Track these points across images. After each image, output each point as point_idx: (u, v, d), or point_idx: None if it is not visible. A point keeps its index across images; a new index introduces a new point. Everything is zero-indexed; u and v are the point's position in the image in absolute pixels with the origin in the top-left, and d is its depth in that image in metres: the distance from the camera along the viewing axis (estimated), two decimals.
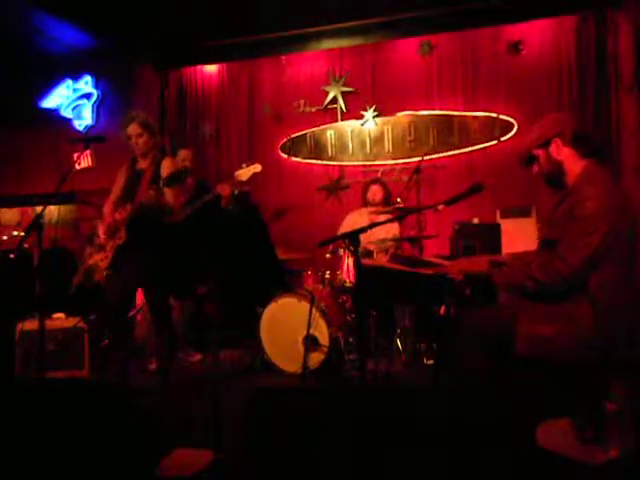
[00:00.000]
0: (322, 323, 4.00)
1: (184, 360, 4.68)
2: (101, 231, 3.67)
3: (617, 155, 5.32)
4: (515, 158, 2.43)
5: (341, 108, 6.24)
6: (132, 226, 3.55)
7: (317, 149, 6.34)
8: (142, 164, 3.76)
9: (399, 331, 4.23)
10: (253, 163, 3.92)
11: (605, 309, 2.09)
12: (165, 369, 3.82)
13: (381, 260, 4.27)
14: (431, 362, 4.11)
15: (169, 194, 3.58)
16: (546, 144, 2.29)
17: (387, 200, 4.96)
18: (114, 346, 3.80)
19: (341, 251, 4.45)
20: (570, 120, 2.32)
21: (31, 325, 4.26)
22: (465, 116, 5.87)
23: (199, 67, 6.71)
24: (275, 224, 5.54)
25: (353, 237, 2.52)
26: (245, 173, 3.96)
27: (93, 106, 6.86)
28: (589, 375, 2.05)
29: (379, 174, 6.01)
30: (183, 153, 4.70)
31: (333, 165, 6.31)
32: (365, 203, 5.04)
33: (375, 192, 4.96)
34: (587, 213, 2.11)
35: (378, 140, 6.15)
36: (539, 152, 2.31)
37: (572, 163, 2.27)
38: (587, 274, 2.11)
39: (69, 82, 6.90)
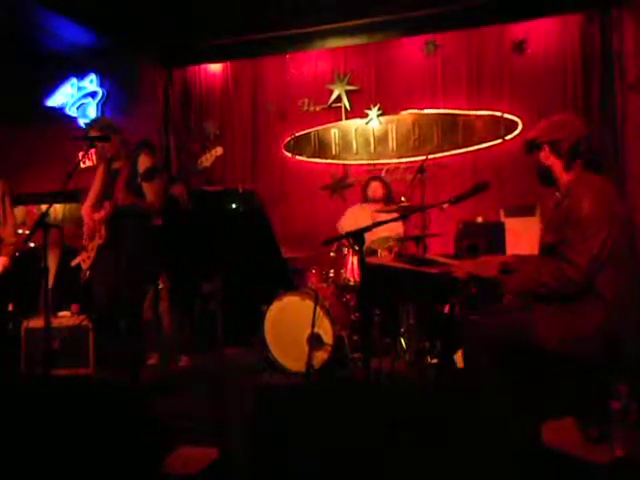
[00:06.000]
0: (326, 322, 4.00)
1: (173, 364, 4.62)
2: (85, 233, 3.66)
3: (622, 154, 5.31)
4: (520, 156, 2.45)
5: (345, 107, 6.24)
6: (112, 225, 3.54)
7: (321, 148, 6.33)
8: (117, 164, 3.74)
9: (403, 330, 4.22)
10: (214, 147, 4.01)
11: (613, 309, 2.10)
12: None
13: (385, 259, 4.27)
14: (435, 361, 4.10)
15: (149, 190, 3.57)
16: (538, 146, 2.31)
17: (388, 197, 4.95)
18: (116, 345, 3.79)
19: (345, 250, 4.44)
20: (571, 130, 2.28)
21: (36, 323, 4.28)
22: (469, 115, 5.86)
23: (203, 65, 6.71)
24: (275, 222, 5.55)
25: (358, 236, 2.52)
26: (208, 159, 4.05)
27: (98, 104, 6.87)
28: (595, 374, 2.06)
29: (383, 173, 6.01)
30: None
31: (337, 164, 6.31)
32: (365, 199, 5.04)
33: (375, 189, 4.96)
34: (583, 216, 2.13)
35: (382, 139, 6.15)
36: (534, 151, 2.36)
37: (560, 172, 2.30)
38: (595, 275, 2.12)
39: (74, 81, 6.92)
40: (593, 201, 2.13)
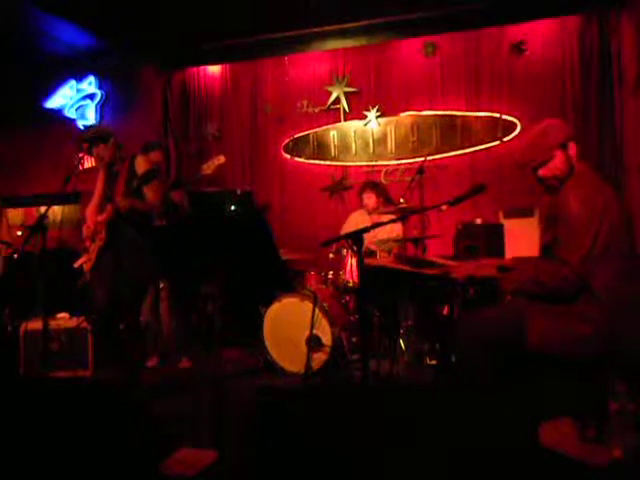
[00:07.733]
0: (325, 323, 4.00)
1: (173, 366, 4.62)
2: (84, 234, 3.68)
3: (620, 155, 5.31)
4: (529, 158, 2.35)
5: (344, 108, 6.24)
6: (112, 227, 3.56)
7: (320, 149, 6.34)
8: (116, 167, 3.76)
9: (402, 331, 4.23)
10: (217, 155, 4.08)
11: (611, 308, 2.10)
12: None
13: (384, 260, 4.27)
14: (434, 362, 4.10)
15: (148, 191, 3.58)
16: (564, 146, 2.28)
17: (386, 201, 4.91)
18: (115, 347, 3.79)
19: (344, 251, 4.45)
20: (567, 128, 2.35)
21: (35, 325, 4.28)
22: (468, 116, 5.87)
23: (202, 68, 6.72)
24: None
25: (356, 237, 2.53)
26: (210, 166, 4.11)
27: (97, 106, 6.88)
28: (593, 374, 2.06)
29: (382, 174, 6.03)
30: (153, 155, 4.51)
31: (336, 165, 6.31)
32: (362, 206, 5.01)
33: (368, 198, 4.89)
34: (570, 214, 2.14)
35: (381, 140, 6.15)
36: (558, 152, 2.28)
37: (570, 171, 2.28)
38: (589, 273, 2.12)
39: (73, 83, 6.92)
40: (580, 199, 2.13)
